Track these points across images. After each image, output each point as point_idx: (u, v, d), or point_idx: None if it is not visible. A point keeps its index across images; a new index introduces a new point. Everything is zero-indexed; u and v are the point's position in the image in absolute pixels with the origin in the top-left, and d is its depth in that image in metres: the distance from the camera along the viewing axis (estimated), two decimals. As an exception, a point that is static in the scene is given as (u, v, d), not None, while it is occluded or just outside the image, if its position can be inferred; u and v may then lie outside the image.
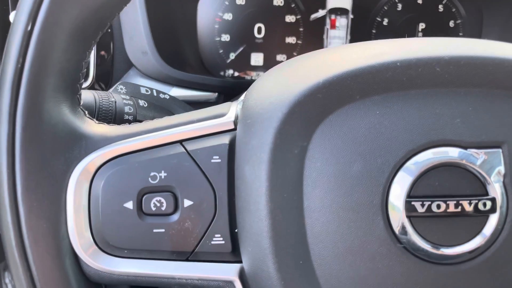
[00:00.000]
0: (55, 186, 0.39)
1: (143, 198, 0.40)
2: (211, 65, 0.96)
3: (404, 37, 0.99)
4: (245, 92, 0.43)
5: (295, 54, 0.98)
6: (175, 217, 0.40)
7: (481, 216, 0.38)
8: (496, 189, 0.37)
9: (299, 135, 0.38)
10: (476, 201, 0.37)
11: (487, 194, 0.38)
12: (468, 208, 0.37)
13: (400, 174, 0.37)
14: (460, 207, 0.37)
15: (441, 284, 0.38)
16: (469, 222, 0.38)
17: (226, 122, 0.42)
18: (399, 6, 0.99)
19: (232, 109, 0.43)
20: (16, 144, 0.38)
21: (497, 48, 0.40)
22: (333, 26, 0.98)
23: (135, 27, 0.81)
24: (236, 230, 0.41)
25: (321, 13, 0.97)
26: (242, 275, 0.41)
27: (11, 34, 0.38)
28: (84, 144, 0.40)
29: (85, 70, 0.42)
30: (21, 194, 0.38)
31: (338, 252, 0.38)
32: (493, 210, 0.37)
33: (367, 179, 0.37)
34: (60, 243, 0.39)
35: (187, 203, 0.40)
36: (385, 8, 0.99)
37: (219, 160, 0.40)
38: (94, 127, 0.42)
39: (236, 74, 0.98)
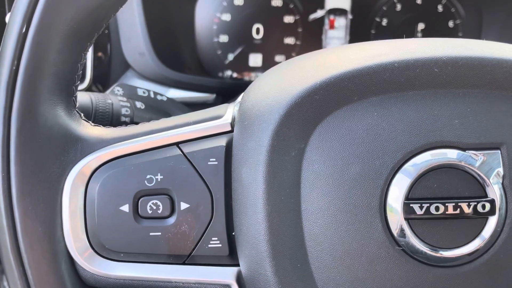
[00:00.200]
0: (50, 190, 0.39)
1: (139, 201, 0.40)
2: (209, 66, 0.96)
3: (403, 37, 0.99)
4: (242, 94, 0.43)
5: (294, 54, 0.98)
6: (172, 220, 0.40)
7: (480, 218, 0.37)
8: (495, 190, 0.37)
9: (296, 137, 0.38)
10: (475, 203, 0.37)
11: (486, 196, 0.37)
12: (467, 210, 0.37)
13: (398, 176, 0.37)
14: (459, 209, 0.37)
15: (440, 286, 0.37)
16: (468, 224, 0.37)
17: (223, 124, 0.41)
18: (398, 6, 0.99)
19: (229, 111, 0.42)
20: (11, 147, 0.37)
21: (495, 49, 0.40)
22: (332, 26, 0.97)
23: (132, 28, 0.81)
24: (233, 233, 0.40)
25: (320, 13, 0.97)
26: (239, 279, 0.41)
27: (6, 36, 0.38)
28: (79, 147, 0.40)
29: (81, 72, 0.42)
30: (16, 197, 0.38)
31: (336, 255, 0.37)
32: (492, 212, 0.37)
33: (365, 181, 0.37)
34: (56, 246, 0.39)
35: (183, 206, 0.40)
36: (384, 8, 0.99)
37: (216, 163, 0.40)
38: (89, 130, 0.41)
39: (235, 75, 0.97)
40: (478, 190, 0.37)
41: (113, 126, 0.44)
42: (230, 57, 0.97)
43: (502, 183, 0.37)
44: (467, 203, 0.37)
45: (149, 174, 0.40)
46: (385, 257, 0.37)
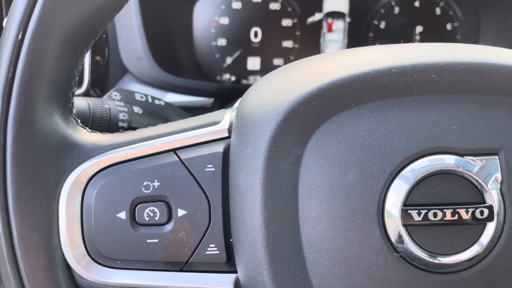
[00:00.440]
0: (47, 197, 0.39)
1: (136, 208, 0.40)
2: (207, 70, 0.96)
3: (401, 40, 0.99)
4: (240, 99, 0.43)
5: (292, 58, 0.98)
6: (169, 227, 0.40)
7: (478, 224, 0.37)
8: (493, 196, 0.37)
9: (294, 143, 0.38)
10: (473, 209, 0.37)
11: (484, 202, 0.37)
12: (465, 216, 0.37)
13: (396, 182, 0.37)
14: (457, 215, 0.36)
15: (439, 293, 0.37)
16: (466, 230, 0.37)
17: (220, 130, 0.41)
18: (396, 9, 0.99)
19: (226, 117, 0.42)
20: (7, 154, 0.37)
21: (492, 54, 0.40)
22: (330, 29, 0.97)
23: (130, 33, 0.81)
24: (231, 240, 0.40)
25: (318, 16, 0.97)
26: (237, 286, 0.40)
27: (2, 42, 0.37)
28: (76, 154, 0.40)
29: (78, 78, 0.42)
30: (12, 205, 0.37)
31: (334, 262, 0.37)
32: (490, 218, 0.37)
33: (362, 187, 0.37)
34: (53, 254, 0.39)
35: (181, 212, 0.40)
36: (382, 11, 0.99)
37: (213, 169, 0.40)
38: (86, 136, 0.41)
39: (233, 78, 0.97)
40: (476, 196, 0.37)
41: (111, 132, 0.44)
42: (228, 60, 0.96)
43: (500, 189, 0.37)
44: (465, 209, 0.37)
45: (146, 180, 0.40)
46: (383, 263, 0.37)
